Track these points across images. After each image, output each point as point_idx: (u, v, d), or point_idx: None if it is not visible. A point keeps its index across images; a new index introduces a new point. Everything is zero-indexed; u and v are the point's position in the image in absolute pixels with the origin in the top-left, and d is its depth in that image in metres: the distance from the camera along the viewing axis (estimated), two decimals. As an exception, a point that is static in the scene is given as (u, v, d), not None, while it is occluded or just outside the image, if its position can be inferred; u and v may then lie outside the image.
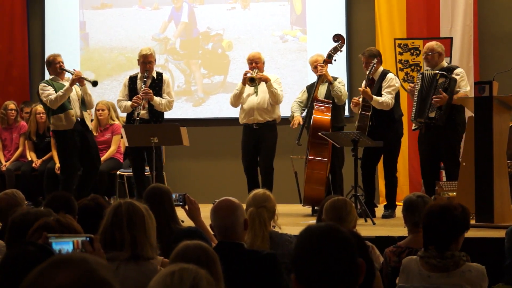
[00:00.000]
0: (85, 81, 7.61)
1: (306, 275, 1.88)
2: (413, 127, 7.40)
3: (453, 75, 7.17)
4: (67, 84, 7.64)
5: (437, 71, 7.19)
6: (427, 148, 7.27)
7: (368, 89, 7.39)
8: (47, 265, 1.35)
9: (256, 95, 7.90)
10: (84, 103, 7.81)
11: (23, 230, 3.12)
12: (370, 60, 7.52)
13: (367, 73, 7.52)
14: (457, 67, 7.46)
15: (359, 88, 7.52)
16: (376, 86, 7.52)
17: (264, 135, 7.85)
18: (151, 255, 3.29)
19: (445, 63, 7.39)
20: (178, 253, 2.70)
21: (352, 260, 1.90)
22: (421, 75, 7.29)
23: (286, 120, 8.57)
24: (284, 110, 8.93)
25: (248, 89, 7.91)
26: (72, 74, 7.63)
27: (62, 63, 7.76)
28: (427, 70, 7.40)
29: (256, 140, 7.88)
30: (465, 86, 7.20)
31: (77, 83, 7.61)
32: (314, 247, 1.90)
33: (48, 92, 7.61)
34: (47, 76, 10.18)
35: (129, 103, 7.69)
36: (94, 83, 7.56)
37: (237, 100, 7.99)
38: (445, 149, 7.16)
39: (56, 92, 7.59)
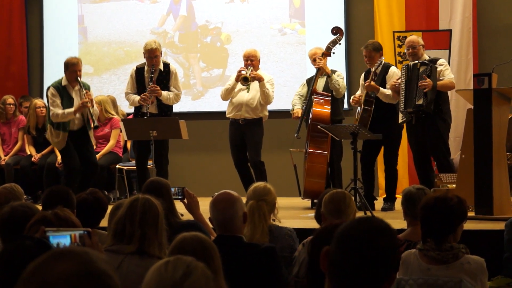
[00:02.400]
0: (88, 112, 7.60)
1: (340, 261, 1.84)
2: (400, 120, 7.38)
3: (437, 65, 7.20)
4: (75, 94, 7.66)
5: (417, 61, 7.22)
6: (417, 140, 7.30)
7: (373, 83, 7.39)
8: (48, 256, 1.36)
9: (248, 92, 7.89)
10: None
11: (13, 225, 3.12)
12: (375, 54, 7.51)
13: (373, 69, 7.48)
14: (440, 58, 7.47)
15: (362, 82, 7.51)
16: (379, 80, 7.51)
17: (250, 130, 7.85)
18: (158, 254, 3.27)
19: (426, 56, 7.40)
20: (175, 245, 2.69)
21: (388, 268, 1.86)
22: (405, 67, 7.30)
23: (285, 114, 8.56)
24: (283, 103, 8.94)
25: (241, 84, 7.90)
26: (82, 88, 7.59)
27: (80, 71, 7.68)
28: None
29: (242, 136, 7.88)
30: (449, 74, 7.25)
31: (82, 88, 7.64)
32: (363, 238, 1.86)
33: (55, 103, 7.61)
34: (46, 71, 10.28)
35: (137, 98, 7.65)
36: (95, 127, 7.65)
37: (228, 94, 7.98)
38: (434, 139, 7.17)
39: (62, 103, 7.60)
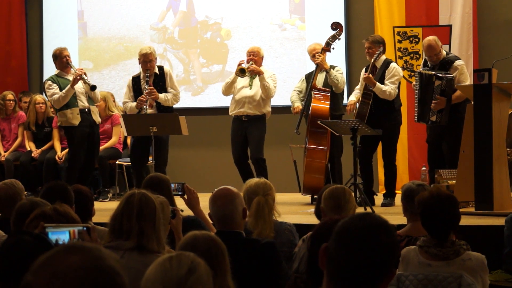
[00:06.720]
0: (85, 82, 7.76)
1: (339, 258, 1.82)
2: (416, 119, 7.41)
3: (452, 69, 7.15)
4: (71, 78, 7.78)
5: (433, 73, 7.12)
6: (434, 137, 7.32)
7: (371, 76, 7.36)
8: (59, 249, 1.38)
9: (250, 89, 7.88)
10: (91, 97, 7.91)
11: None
12: (375, 47, 7.47)
13: (372, 60, 7.45)
14: (456, 58, 7.35)
15: (363, 75, 7.49)
16: (378, 75, 7.48)
17: (252, 127, 7.83)
18: (157, 249, 3.25)
19: (444, 52, 7.34)
20: (186, 242, 2.67)
21: (388, 264, 1.84)
22: (419, 75, 7.25)
23: (285, 109, 8.56)
24: (283, 99, 8.93)
25: (243, 81, 7.89)
26: (74, 68, 7.84)
27: (69, 57, 7.92)
28: (424, 69, 7.36)
29: (245, 132, 7.86)
30: (465, 80, 7.15)
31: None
32: (364, 234, 1.83)
33: (52, 91, 7.79)
34: (45, 66, 10.28)
35: (134, 104, 7.73)
36: (92, 87, 7.76)
37: (228, 89, 7.97)
38: (449, 137, 7.16)
39: (61, 90, 7.74)
